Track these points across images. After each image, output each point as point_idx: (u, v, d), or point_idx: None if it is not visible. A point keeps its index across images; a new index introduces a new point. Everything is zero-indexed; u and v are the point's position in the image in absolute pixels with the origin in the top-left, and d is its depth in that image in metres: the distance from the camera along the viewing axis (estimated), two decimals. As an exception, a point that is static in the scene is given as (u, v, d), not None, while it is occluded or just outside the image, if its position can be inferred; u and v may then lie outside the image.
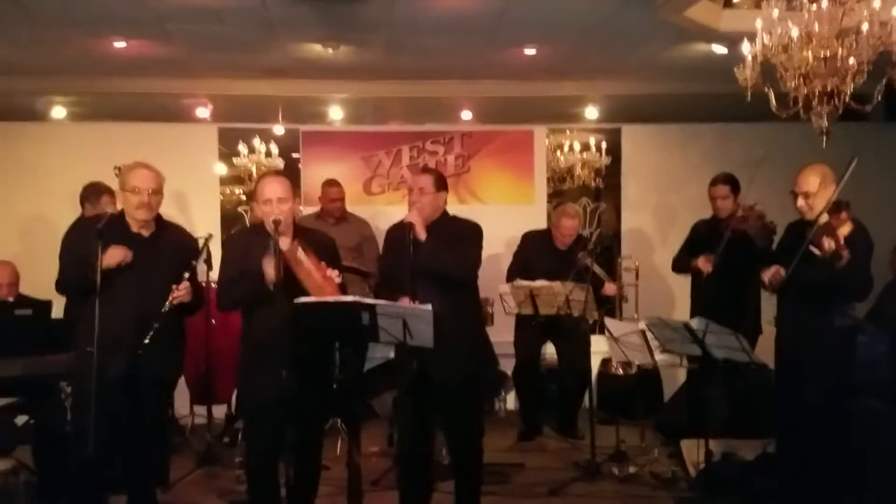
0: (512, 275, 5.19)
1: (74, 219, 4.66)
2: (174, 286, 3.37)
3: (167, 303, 3.36)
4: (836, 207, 3.44)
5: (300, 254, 3.20)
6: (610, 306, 5.96)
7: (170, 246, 3.55)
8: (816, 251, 3.30)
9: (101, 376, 3.23)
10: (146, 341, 3.29)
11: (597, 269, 4.82)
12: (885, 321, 4.76)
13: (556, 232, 5.17)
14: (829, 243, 3.26)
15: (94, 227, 3.34)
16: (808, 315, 3.56)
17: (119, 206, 3.65)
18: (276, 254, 3.17)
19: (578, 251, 4.92)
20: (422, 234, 3.40)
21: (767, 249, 4.14)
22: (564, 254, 5.06)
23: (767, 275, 3.58)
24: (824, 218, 3.42)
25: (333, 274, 3.25)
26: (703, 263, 4.52)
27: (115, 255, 3.30)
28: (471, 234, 3.60)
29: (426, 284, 3.36)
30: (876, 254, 5.75)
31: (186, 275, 3.44)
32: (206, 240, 3.92)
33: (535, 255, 5.20)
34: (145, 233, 3.49)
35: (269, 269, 3.17)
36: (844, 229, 3.37)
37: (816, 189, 3.57)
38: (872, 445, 3.65)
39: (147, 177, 3.45)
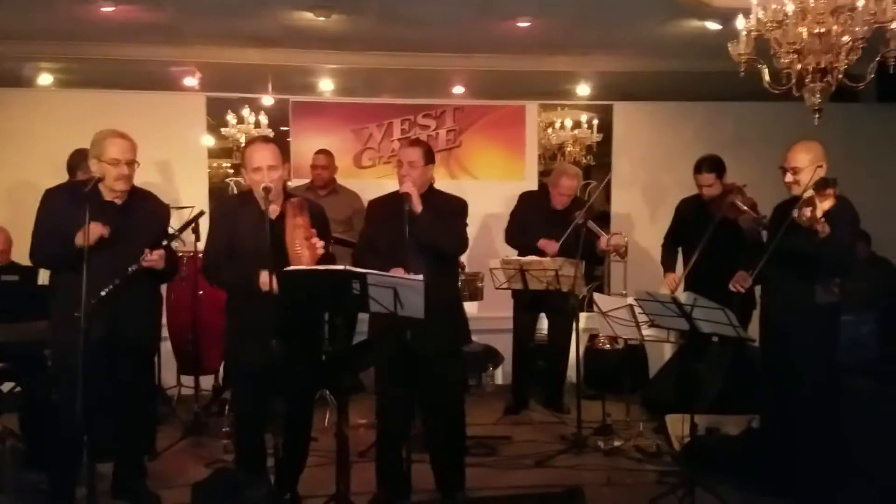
0: (509, 235, 5.24)
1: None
2: (147, 250, 3.30)
3: (136, 264, 3.29)
4: (822, 184, 3.45)
5: (298, 209, 3.19)
6: (598, 283, 5.99)
7: (143, 213, 3.52)
8: (799, 221, 3.33)
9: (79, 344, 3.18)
10: (102, 293, 3.17)
11: (591, 224, 4.83)
12: (858, 302, 4.82)
13: (553, 191, 5.15)
14: (806, 213, 3.29)
15: (68, 194, 3.29)
16: (791, 291, 3.58)
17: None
18: (266, 223, 3.15)
19: (574, 211, 4.91)
20: (418, 207, 3.39)
21: (759, 242, 4.14)
22: (560, 214, 5.05)
23: (734, 283, 3.68)
24: (809, 193, 3.44)
25: (319, 244, 3.24)
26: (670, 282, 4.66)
27: (94, 232, 3.21)
28: (459, 209, 3.63)
29: (417, 256, 3.35)
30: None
31: (164, 242, 3.40)
32: (197, 215, 3.82)
33: (530, 215, 5.21)
34: (118, 201, 3.45)
35: (265, 284, 3.12)
36: (826, 204, 3.38)
37: (805, 165, 3.58)
38: (857, 422, 3.70)
39: (125, 147, 3.39)
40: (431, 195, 3.59)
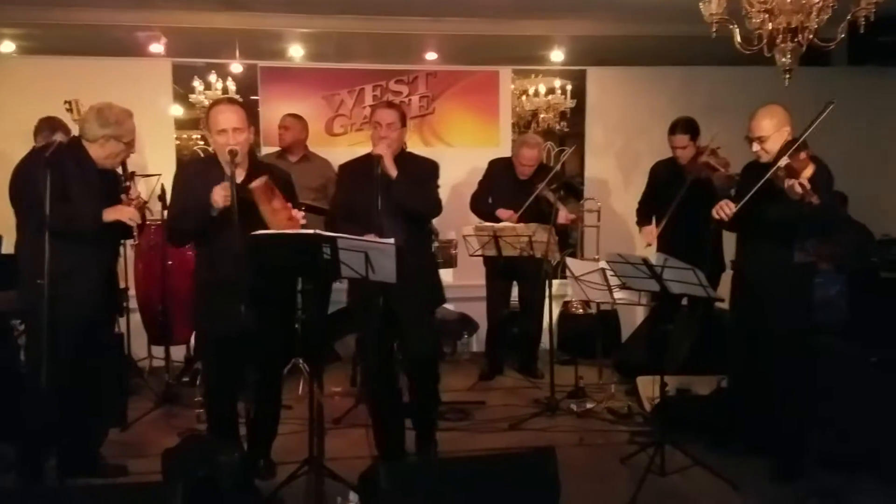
0: (474, 201, 5.21)
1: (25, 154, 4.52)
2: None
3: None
4: (794, 148, 3.44)
5: (270, 192, 3.13)
6: (572, 250, 6.01)
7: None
8: (790, 194, 3.29)
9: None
10: None
11: (551, 196, 4.82)
12: (833, 264, 4.88)
13: (516, 161, 5.15)
14: (796, 188, 3.24)
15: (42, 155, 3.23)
16: (770, 252, 3.59)
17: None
18: (230, 186, 3.08)
19: (538, 182, 4.90)
20: (392, 170, 3.35)
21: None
22: (525, 184, 5.05)
23: (716, 208, 3.59)
24: (784, 160, 3.41)
25: (299, 215, 3.21)
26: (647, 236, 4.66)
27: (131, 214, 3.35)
28: (431, 171, 3.62)
29: (391, 220, 3.33)
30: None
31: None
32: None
33: (497, 183, 5.19)
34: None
35: (218, 196, 3.07)
36: (808, 171, 3.35)
37: (769, 132, 3.58)
38: (825, 381, 3.77)
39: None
40: (404, 158, 3.57)
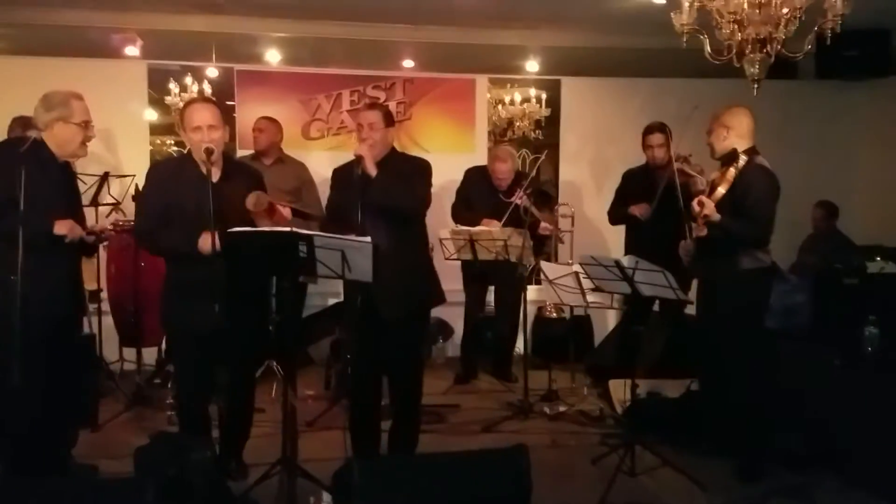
0: (456, 211, 5.24)
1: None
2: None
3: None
4: (729, 159, 3.48)
5: (268, 208, 3.15)
6: (546, 255, 6.06)
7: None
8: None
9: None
10: None
11: (534, 210, 4.87)
12: (805, 272, 4.99)
13: (492, 175, 5.22)
14: (694, 204, 3.34)
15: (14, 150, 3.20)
16: (719, 257, 3.67)
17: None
18: (208, 186, 3.08)
19: (516, 190, 4.96)
20: (372, 170, 3.34)
21: None
22: (504, 193, 5.11)
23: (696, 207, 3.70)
24: (714, 173, 3.48)
25: (285, 211, 3.24)
26: (641, 211, 4.69)
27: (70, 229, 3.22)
28: (420, 169, 3.56)
29: (375, 220, 3.31)
30: (800, 208, 6.00)
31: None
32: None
33: (475, 192, 5.24)
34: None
35: (207, 244, 3.07)
36: (721, 189, 3.38)
37: (711, 124, 3.70)
38: (790, 383, 3.85)
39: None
40: (393, 157, 3.53)
